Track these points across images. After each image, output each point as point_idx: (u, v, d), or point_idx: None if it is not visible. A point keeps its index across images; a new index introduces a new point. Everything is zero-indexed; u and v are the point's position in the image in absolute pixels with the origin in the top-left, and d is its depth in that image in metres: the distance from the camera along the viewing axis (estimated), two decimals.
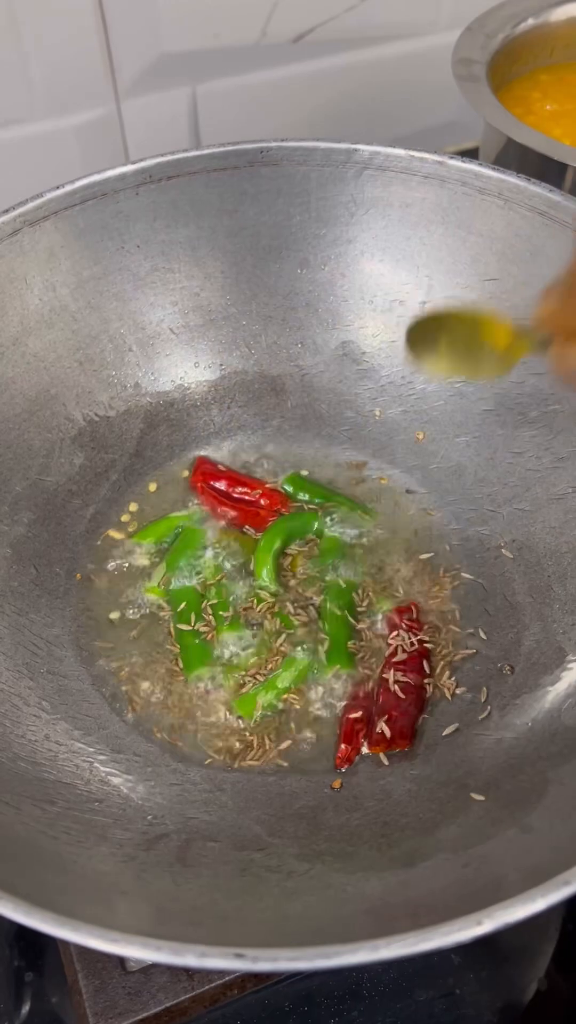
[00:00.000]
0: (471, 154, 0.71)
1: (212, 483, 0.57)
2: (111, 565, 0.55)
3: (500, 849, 0.38)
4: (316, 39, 0.81)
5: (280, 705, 0.49)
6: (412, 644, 0.50)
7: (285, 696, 0.49)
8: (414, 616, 0.52)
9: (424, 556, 0.55)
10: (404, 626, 0.51)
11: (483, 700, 0.48)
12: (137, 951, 0.30)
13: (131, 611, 0.53)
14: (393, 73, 0.86)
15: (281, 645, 0.51)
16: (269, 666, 0.50)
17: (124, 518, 0.57)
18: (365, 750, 0.47)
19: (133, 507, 0.57)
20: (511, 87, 0.73)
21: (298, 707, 0.49)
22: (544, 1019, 0.50)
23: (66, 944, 0.45)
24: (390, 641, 0.51)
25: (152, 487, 0.58)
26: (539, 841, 0.38)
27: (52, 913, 0.31)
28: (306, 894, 0.39)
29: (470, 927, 0.30)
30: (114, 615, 0.53)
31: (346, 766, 0.47)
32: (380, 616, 0.52)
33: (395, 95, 0.88)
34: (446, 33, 0.79)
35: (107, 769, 0.45)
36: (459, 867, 0.38)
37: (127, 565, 0.55)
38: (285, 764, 0.47)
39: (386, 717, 0.48)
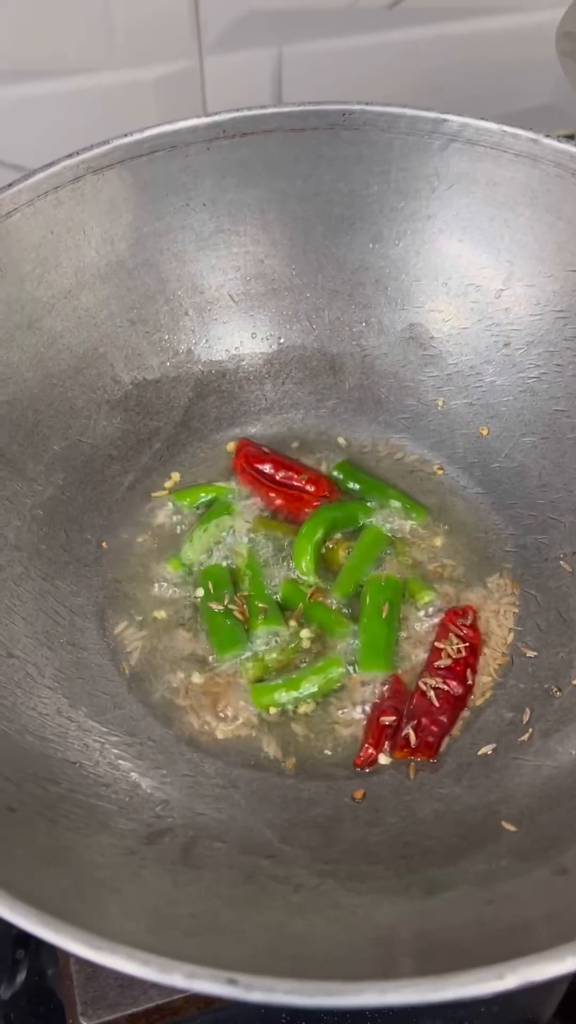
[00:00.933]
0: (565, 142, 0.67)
1: (256, 465, 0.54)
2: (143, 537, 0.52)
3: (529, 889, 0.35)
4: (412, 6, 0.77)
5: (300, 708, 0.46)
6: (459, 651, 0.47)
7: (306, 702, 0.46)
8: (469, 621, 0.48)
9: (475, 560, 0.51)
10: (456, 630, 0.48)
11: (525, 721, 0.45)
12: (121, 963, 0.28)
13: (159, 586, 0.51)
14: (490, 48, 0.82)
15: (315, 644, 0.48)
16: (298, 663, 0.47)
17: (161, 492, 0.54)
18: (384, 760, 0.44)
19: (175, 476, 0.54)
20: None
21: (327, 707, 0.46)
22: None
23: None
24: (436, 644, 0.48)
25: (196, 459, 0.55)
26: (572, 886, 0.35)
27: (35, 909, 0.29)
28: (312, 912, 0.36)
29: (490, 980, 0.27)
30: (141, 589, 0.50)
31: (367, 768, 0.44)
32: (424, 615, 0.49)
33: (490, 72, 0.84)
34: (550, 10, 0.75)
35: (118, 751, 0.43)
36: (482, 903, 0.35)
37: (161, 538, 0.52)
38: (304, 766, 0.44)
39: (415, 723, 0.45)
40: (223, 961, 0.29)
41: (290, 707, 0.46)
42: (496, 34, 0.81)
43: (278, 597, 0.50)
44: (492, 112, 0.85)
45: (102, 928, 0.29)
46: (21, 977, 0.51)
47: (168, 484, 0.55)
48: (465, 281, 0.55)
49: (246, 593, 0.50)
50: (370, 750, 0.44)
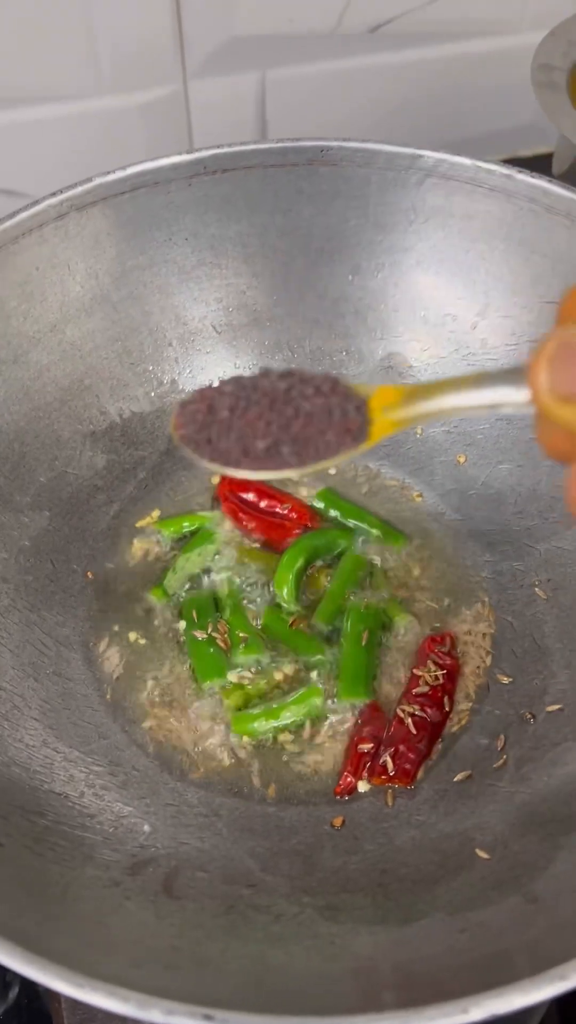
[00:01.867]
0: (544, 160, 0.68)
1: (239, 494, 0.55)
2: (128, 567, 0.53)
3: (501, 918, 0.36)
4: (394, 31, 0.78)
5: (279, 737, 0.47)
6: (436, 678, 0.48)
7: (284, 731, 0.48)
8: (447, 648, 0.50)
9: (453, 586, 0.52)
10: (435, 657, 0.49)
11: (500, 748, 0.46)
12: (102, 1000, 0.29)
13: (143, 615, 0.52)
14: (470, 71, 0.83)
15: (295, 672, 0.49)
16: (279, 689, 0.49)
17: (145, 521, 0.55)
18: (363, 788, 0.45)
19: (156, 513, 0.55)
20: None
21: (306, 734, 0.47)
22: None
23: None
24: (415, 671, 0.49)
25: (180, 489, 0.56)
26: (543, 914, 0.36)
27: (19, 947, 0.30)
28: (291, 942, 0.37)
29: (455, 1014, 0.28)
30: (126, 619, 0.51)
31: (346, 796, 0.45)
32: (402, 641, 0.50)
33: (471, 94, 0.85)
34: (528, 34, 0.76)
35: (103, 782, 0.44)
36: (455, 932, 0.36)
37: (145, 567, 0.53)
38: (284, 794, 0.45)
39: (392, 750, 0.46)
40: (203, 995, 0.30)
41: (270, 735, 0.47)
42: (476, 57, 0.82)
43: (260, 624, 0.51)
44: (476, 132, 0.87)
45: (85, 963, 0.31)
46: (13, 994, 0.52)
47: (154, 514, 0.56)
48: (442, 312, 0.56)
49: (228, 617, 0.51)
50: (349, 778, 0.45)
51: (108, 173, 0.52)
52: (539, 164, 0.58)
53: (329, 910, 0.39)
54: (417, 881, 0.40)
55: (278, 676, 0.49)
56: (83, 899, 0.37)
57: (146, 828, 0.42)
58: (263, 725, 0.47)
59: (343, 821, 0.44)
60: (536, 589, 0.51)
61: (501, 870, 0.39)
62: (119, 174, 0.53)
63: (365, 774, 0.46)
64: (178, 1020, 0.29)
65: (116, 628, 0.51)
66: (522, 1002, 0.29)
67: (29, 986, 0.51)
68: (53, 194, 0.52)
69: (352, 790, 0.45)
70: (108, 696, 0.48)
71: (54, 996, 0.45)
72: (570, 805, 0.41)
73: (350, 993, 0.34)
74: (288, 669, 0.49)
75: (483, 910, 0.37)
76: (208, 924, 0.38)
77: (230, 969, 0.35)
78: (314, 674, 0.49)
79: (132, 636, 0.51)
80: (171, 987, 0.31)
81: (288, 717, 0.47)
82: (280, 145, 0.54)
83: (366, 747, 0.46)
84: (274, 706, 0.47)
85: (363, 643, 0.49)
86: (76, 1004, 0.44)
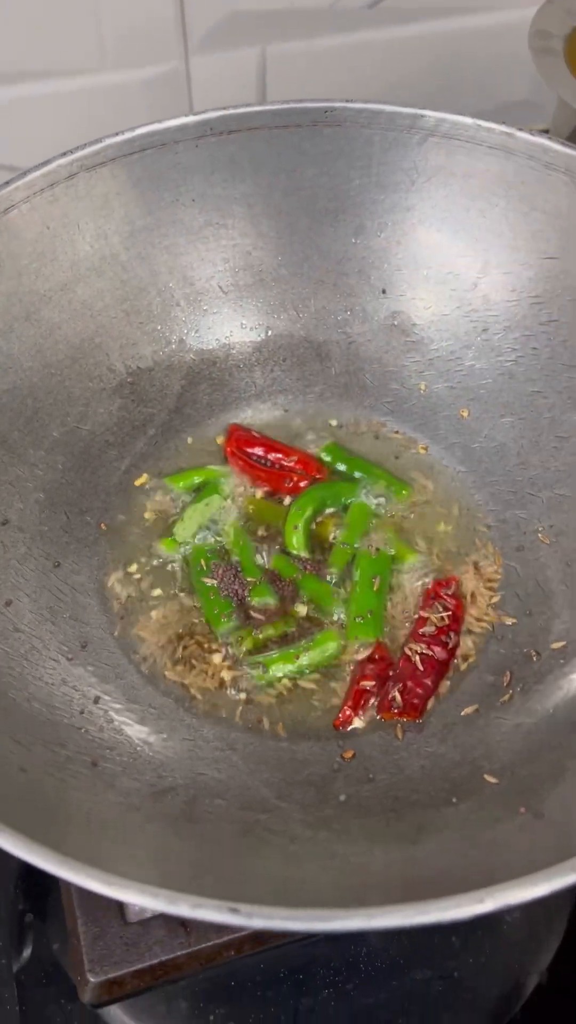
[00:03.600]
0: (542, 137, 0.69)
1: (246, 449, 0.56)
2: (139, 518, 0.54)
3: (509, 834, 0.38)
4: (392, 6, 0.79)
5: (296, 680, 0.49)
6: (442, 619, 0.49)
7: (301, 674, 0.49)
8: (452, 591, 0.51)
9: (459, 533, 0.54)
10: (442, 600, 0.50)
11: (505, 683, 0.47)
12: (133, 896, 0.30)
13: (155, 563, 0.53)
14: (468, 46, 0.84)
15: (307, 614, 0.50)
16: (292, 631, 0.50)
17: (141, 480, 0.56)
18: (359, 723, 0.47)
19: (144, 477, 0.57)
20: None
21: (318, 675, 0.49)
22: (543, 1012, 0.49)
23: (68, 889, 0.45)
24: (421, 613, 0.50)
25: (188, 444, 0.58)
26: (550, 828, 0.37)
27: (55, 852, 0.31)
28: (308, 861, 0.38)
29: (470, 904, 0.30)
30: (137, 567, 0.53)
31: (345, 728, 0.47)
32: (409, 586, 0.52)
33: (468, 69, 0.86)
34: (526, 8, 0.77)
35: (121, 719, 0.45)
36: (467, 848, 0.38)
37: (156, 518, 0.55)
38: (297, 730, 0.47)
39: (400, 686, 0.47)
40: (226, 898, 0.31)
41: (289, 678, 0.48)
42: (474, 32, 0.83)
43: (268, 566, 0.52)
44: (471, 109, 0.87)
45: (113, 872, 0.32)
46: (27, 952, 0.53)
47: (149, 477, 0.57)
48: (444, 270, 0.58)
49: (236, 559, 0.52)
50: (348, 712, 0.47)
51: (117, 134, 0.54)
52: None
53: (344, 832, 0.40)
54: (428, 806, 0.41)
55: (288, 624, 0.50)
56: (107, 821, 0.38)
57: (164, 759, 0.44)
58: (280, 669, 0.48)
59: (354, 754, 0.46)
60: (539, 535, 0.52)
61: (510, 793, 0.41)
62: (128, 135, 0.54)
63: (374, 710, 0.47)
64: (205, 913, 0.30)
65: (130, 576, 0.52)
66: (535, 893, 0.30)
67: (43, 942, 0.52)
68: (63, 154, 0.53)
69: (348, 722, 0.47)
70: (124, 639, 0.50)
71: (72, 935, 0.46)
72: (573, 734, 0.42)
73: (366, 899, 0.35)
74: (301, 611, 0.50)
75: (492, 829, 0.39)
76: (228, 845, 0.39)
77: (251, 882, 0.36)
78: (328, 624, 0.50)
79: (145, 585, 0.52)
80: (195, 891, 0.32)
81: (304, 661, 0.48)
82: (285, 106, 0.55)
83: (368, 684, 0.47)
84: (290, 650, 0.49)
85: (374, 588, 0.51)
86: (95, 943, 0.45)
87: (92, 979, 0.43)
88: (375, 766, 0.45)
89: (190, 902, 0.30)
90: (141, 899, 0.30)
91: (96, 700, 0.45)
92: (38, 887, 0.52)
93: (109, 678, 0.47)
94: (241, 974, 0.48)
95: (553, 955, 0.51)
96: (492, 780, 0.42)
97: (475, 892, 0.30)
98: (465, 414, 0.57)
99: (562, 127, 0.65)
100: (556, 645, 0.48)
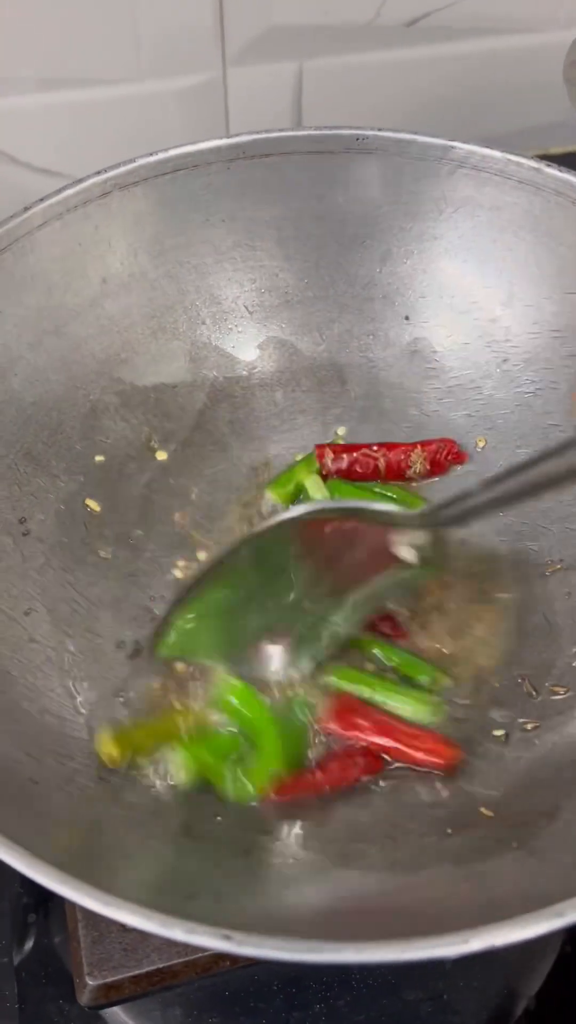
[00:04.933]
0: (575, 158, 0.70)
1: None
2: (157, 534, 0.55)
3: (502, 868, 0.38)
4: (431, 24, 0.79)
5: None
6: None
7: None
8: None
9: (468, 565, 0.54)
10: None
11: (507, 719, 0.48)
12: (128, 917, 0.31)
13: (171, 579, 0.54)
14: (505, 67, 0.84)
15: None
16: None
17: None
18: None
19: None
20: None
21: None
22: None
23: None
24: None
25: (208, 462, 0.59)
26: (542, 867, 0.38)
27: (55, 869, 0.32)
28: (304, 883, 0.39)
29: (456, 944, 0.31)
30: (154, 582, 0.54)
31: None
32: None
33: (506, 89, 0.86)
34: (563, 31, 0.78)
35: None
36: (459, 880, 0.39)
37: (173, 536, 0.56)
38: None
39: None
40: (221, 922, 0.32)
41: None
42: (511, 53, 0.83)
43: None
44: (509, 128, 0.88)
45: (112, 889, 0.33)
46: (29, 945, 0.54)
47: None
48: (468, 299, 0.58)
49: None
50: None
51: (151, 155, 0.55)
52: (570, 161, 0.60)
53: (341, 857, 0.41)
54: (424, 834, 0.42)
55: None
56: (110, 836, 0.40)
57: (166, 774, 0.45)
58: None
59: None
60: (548, 569, 0.53)
61: (504, 828, 0.41)
62: (161, 156, 0.55)
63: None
64: (199, 939, 0.31)
65: (144, 591, 0.53)
66: (519, 936, 0.31)
67: (46, 936, 0.54)
68: (97, 173, 0.54)
69: None
70: (132, 654, 0.51)
71: (73, 939, 0.47)
72: (573, 769, 0.43)
73: (358, 928, 0.36)
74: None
75: (486, 862, 0.39)
76: (226, 863, 0.40)
77: (245, 902, 0.37)
78: None
79: (159, 601, 0.53)
80: (192, 913, 0.33)
81: None
82: (318, 132, 0.56)
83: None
84: None
85: None
86: (94, 947, 0.46)
87: (90, 982, 0.44)
88: (372, 792, 0.46)
89: (184, 927, 0.31)
90: (135, 920, 0.31)
91: (103, 715, 0.47)
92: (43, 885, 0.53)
93: (120, 692, 0.48)
94: (235, 984, 0.50)
95: (542, 981, 0.52)
96: (488, 813, 0.43)
97: (461, 932, 0.31)
98: (482, 443, 0.58)
99: None
100: (559, 682, 0.48)
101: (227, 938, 0.31)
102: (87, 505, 0.54)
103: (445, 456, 0.57)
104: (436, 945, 0.31)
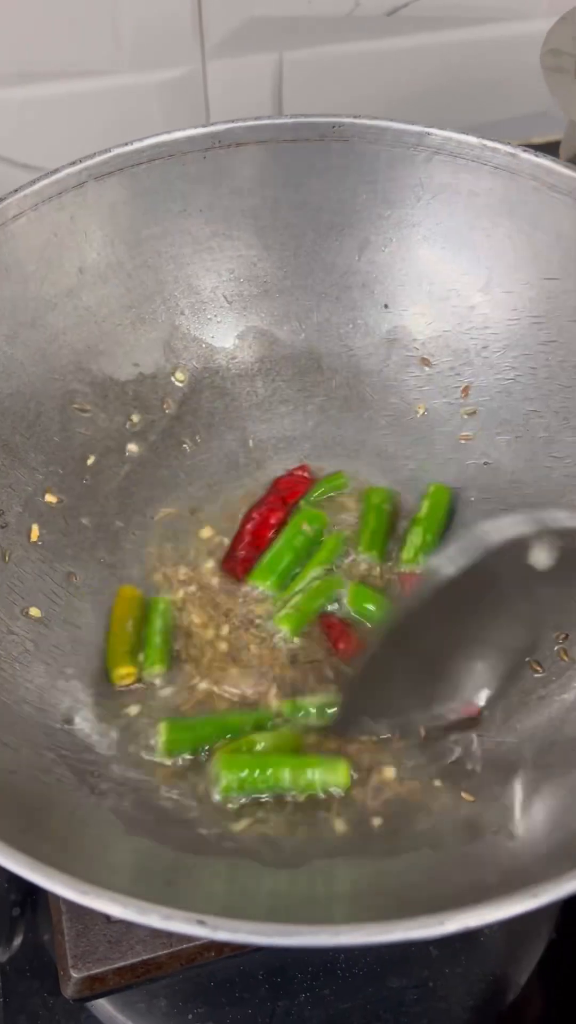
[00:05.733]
0: (556, 147, 0.69)
1: None
2: (134, 523, 0.55)
3: (480, 852, 0.38)
4: (411, 14, 0.79)
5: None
6: None
7: None
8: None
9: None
10: None
11: (489, 700, 0.48)
12: (105, 905, 0.31)
13: (149, 569, 0.54)
14: (485, 56, 0.84)
15: None
16: None
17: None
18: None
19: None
20: None
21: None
22: None
23: None
24: None
25: (187, 454, 0.59)
26: (521, 850, 0.38)
27: (31, 858, 0.32)
28: (281, 871, 0.39)
29: (432, 926, 0.30)
30: (133, 572, 0.54)
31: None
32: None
33: (487, 79, 0.86)
34: (542, 20, 0.77)
35: (106, 724, 0.46)
36: (436, 863, 0.38)
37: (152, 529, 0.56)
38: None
39: None
40: (197, 908, 0.32)
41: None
42: (491, 42, 0.83)
43: None
44: (490, 117, 0.88)
45: (89, 877, 0.33)
46: (17, 942, 0.54)
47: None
48: (446, 287, 0.58)
49: None
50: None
51: (126, 144, 0.54)
52: (550, 150, 0.60)
53: (318, 840, 0.41)
54: (403, 819, 0.42)
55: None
56: (87, 825, 0.39)
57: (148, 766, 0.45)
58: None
59: None
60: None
61: (484, 811, 0.41)
62: (136, 145, 0.54)
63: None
64: (174, 925, 0.31)
65: (124, 581, 0.53)
66: (494, 917, 0.31)
67: (33, 932, 0.54)
68: (72, 163, 0.53)
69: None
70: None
71: (57, 931, 0.47)
72: (552, 752, 0.43)
73: (336, 911, 0.36)
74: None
75: (466, 846, 0.39)
76: (202, 852, 0.40)
77: (222, 889, 0.37)
78: None
79: (139, 588, 0.53)
80: (169, 900, 0.33)
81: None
82: (293, 121, 0.56)
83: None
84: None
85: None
86: (78, 939, 0.46)
87: (75, 974, 0.44)
88: (354, 778, 0.46)
89: (160, 913, 0.31)
90: (112, 908, 0.31)
91: (84, 703, 0.46)
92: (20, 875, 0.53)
93: (99, 683, 0.48)
94: (220, 975, 0.49)
95: (531, 970, 0.52)
96: (468, 798, 0.42)
97: (437, 914, 0.31)
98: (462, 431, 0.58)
99: (572, 146, 0.65)
100: (542, 664, 0.48)
101: (201, 923, 0.31)
102: (65, 497, 0.54)
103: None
104: (412, 927, 0.30)
